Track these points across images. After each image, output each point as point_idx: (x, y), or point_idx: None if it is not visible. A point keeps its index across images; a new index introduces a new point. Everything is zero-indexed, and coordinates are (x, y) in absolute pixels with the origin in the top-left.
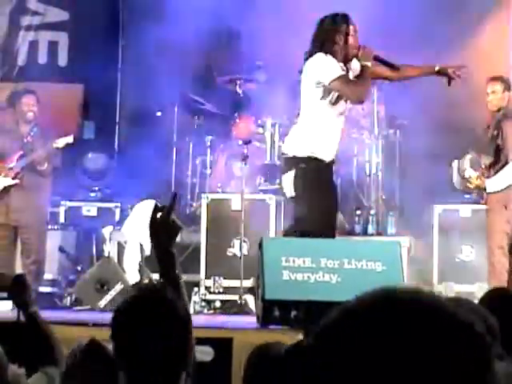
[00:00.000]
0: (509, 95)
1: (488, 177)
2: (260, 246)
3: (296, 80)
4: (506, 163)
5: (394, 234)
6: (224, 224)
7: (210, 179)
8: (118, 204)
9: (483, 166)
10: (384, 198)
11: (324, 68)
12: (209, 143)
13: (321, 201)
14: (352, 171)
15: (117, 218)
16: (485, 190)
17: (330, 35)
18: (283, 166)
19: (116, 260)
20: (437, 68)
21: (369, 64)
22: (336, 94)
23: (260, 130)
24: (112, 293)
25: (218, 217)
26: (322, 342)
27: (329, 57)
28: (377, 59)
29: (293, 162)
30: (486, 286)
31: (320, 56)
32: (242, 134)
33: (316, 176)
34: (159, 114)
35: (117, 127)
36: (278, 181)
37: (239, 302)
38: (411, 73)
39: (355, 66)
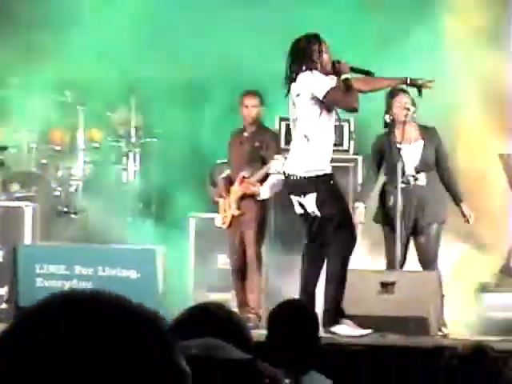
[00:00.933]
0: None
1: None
2: (14, 253)
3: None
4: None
5: (151, 241)
6: None
7: None
8: None
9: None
10: (141, 206)
11: (315, 83)
12: None
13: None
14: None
15: None
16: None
17: (307, 54)
18: (297, 187)
19: None
20: (408, 81)
21: (349, 76)
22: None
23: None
24: None
25: None
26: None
27: (315, 72)
28: (354, 70)
29: (313, 182)
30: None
31: (307, 74)
32: None
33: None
34: None
35: None
36: (34, 188)
37: None
38: (381, 84)
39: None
